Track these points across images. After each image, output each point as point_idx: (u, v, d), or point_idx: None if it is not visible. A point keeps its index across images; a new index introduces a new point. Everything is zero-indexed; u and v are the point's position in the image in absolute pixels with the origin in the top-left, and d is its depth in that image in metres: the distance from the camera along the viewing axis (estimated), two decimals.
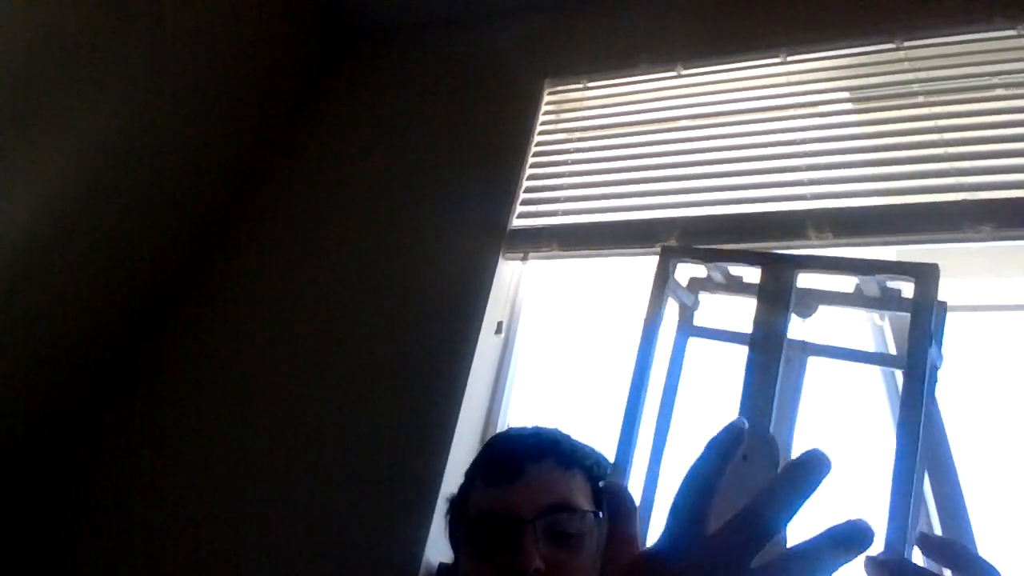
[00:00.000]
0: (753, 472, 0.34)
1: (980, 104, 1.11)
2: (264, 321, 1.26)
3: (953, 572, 0.34)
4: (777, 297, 0.39)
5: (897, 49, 1.25)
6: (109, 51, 1.22)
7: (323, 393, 1.11)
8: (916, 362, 0.34)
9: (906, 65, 1.22)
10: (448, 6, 1.74)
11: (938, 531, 0.41)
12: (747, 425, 0.33)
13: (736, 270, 0.47)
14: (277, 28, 1.63)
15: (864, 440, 0.90)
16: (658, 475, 0.44)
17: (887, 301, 0.42)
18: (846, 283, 0.42)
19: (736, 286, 0.48)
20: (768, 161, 1.18)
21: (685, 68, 1.40)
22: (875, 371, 0.95)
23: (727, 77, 1.36)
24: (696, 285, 0.50)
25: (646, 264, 1.19)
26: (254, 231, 1.46)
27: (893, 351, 0.95)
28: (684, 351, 0.49)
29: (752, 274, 0.43)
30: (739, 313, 0.45)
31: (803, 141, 1.18)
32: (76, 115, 1.17)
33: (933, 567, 0.34)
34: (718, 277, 0.48)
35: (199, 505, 1.04)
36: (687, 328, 0.49)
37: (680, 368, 0.48)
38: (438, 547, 0.91)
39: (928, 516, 0.79)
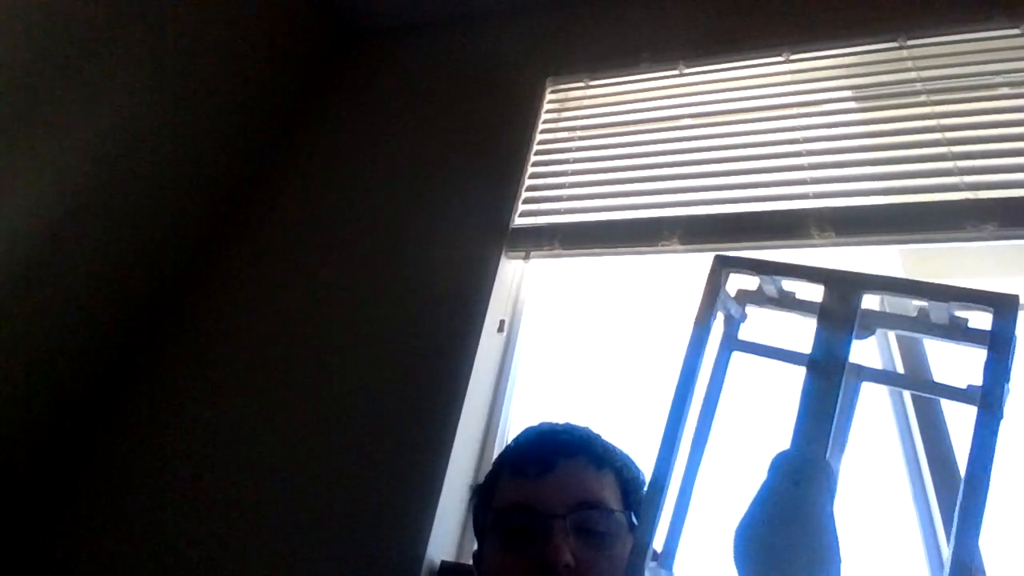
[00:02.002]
0: (806, 498, 0.32)
1: (983, 103, 1.11)
2: (266, 320, 1.26)
3: None
4: (841, 318, 0.37)
5: (900, 48, 1.25)
6: (110, 51, 1.22)
7: (324, 392, 1.11)
8: (993, 399, 0.32)
9: (909, 64, 1.22)
10: (449, 6, 1.73)
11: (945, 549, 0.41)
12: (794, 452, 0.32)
13: (790, 285, 0.45)
14: (278, 28, 1.63)
15: (864, 457, 0.88)
16: (692, 489, 0.43)
17: (954, 330, 0.39)
18: (906, 306, 0.41)
19: (788, 302, 0.46)
20: (770, 160, 1.18)
21: (687, 67, 1.40)
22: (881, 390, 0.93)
23: (729, 76, 1.35)
24: (744, 297, 0.47)
25: (647, 263, 1.19)
26: (255, 230, 1.46)
27: (900, 369, 0.93)
28: (727, 365, 0.46)
29: (807, 290, 0.40)
30: (783, 329, 0.43)
31: (805, 140, 1.17)
32: (77, 114, 1.17)
33: None
34: (770, 291, 0.46)
35: (200, 505, 1.04)
36: (731, 342, 0.47)
37: (722, 383, 0.46)
38: (440, 545, 0.91)
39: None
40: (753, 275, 0.44)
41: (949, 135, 1.08)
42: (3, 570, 1.08)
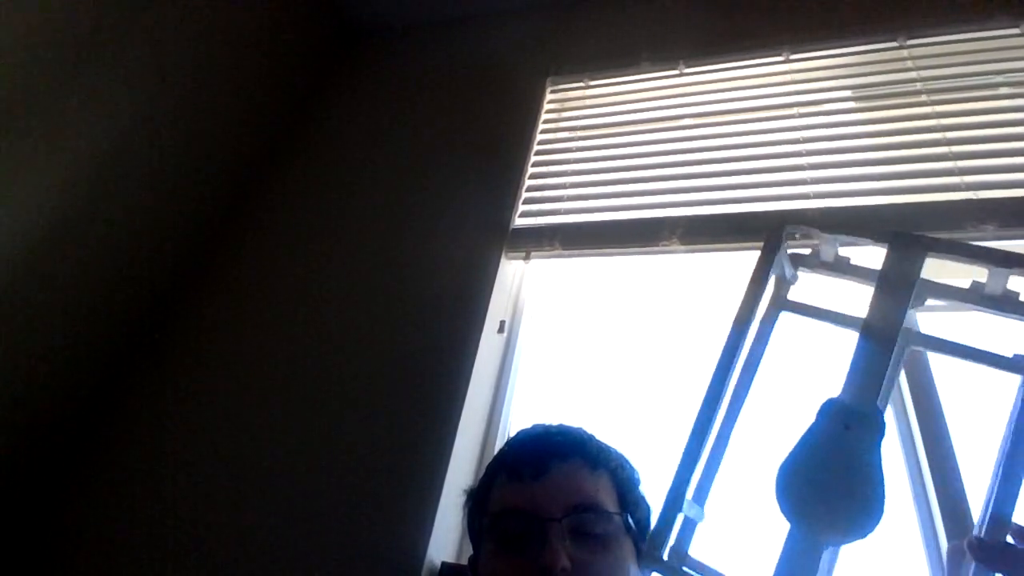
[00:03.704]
0: (857, 442, 0.34)
1: (983, 103, 1.11)
2: (266, 321, 1.26)
3: None
4: (900, 282, 0.38)
5: (900, 48, 1.25)
6: (111, 51, 1.22)
7: (325, 392, 1.11)
8: None
9: (909, 64, 1.22)
10: (450, 6, 1.73)
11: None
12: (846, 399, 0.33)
13: (846, 251, 0.45)
14: (278, 28, 1.63)
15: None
16: (729, 437, 0.44)
17: (1005, 302, 0.40)
18: (964, 279, 0.40)
19: (843, 266, 0.46)
20: (770, 160, 1.18)
21: (687, 66, 1.40)
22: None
23: (729, 76, 1.35)
24: (797, 260, 0.48)
25: (647, 263, 1.19)
26: (256, 230, 1.46)
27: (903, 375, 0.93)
28: (774, 325, 0.47)
29: (862, 255, 0.41)
30: (834, 295, 0.44)
31: (805, 140, 1.17)
32: (77, 115, 1.17)
33: None
34: (827, 255, 0.46)
35: (201, 504, 1.04)
36: (781, 302, 0.48)
37: (767, 341, 0.47)
38: (441, 546, 0.91)
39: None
40: (817, 233, 0.45)
41: (949, 135, 1.08)
42: (4, 570, 1.08)
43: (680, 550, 0.41)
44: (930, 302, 0.42)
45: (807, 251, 0.48)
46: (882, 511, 0.32)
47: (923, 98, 1.16)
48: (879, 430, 0.34)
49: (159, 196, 1.34)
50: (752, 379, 0.46)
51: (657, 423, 0.94)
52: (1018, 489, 0.32)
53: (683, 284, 1.16)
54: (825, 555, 0.37)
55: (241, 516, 1.00)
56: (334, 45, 1.82)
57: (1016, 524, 0.35)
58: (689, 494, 0.42)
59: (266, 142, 1.60)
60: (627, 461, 0.67)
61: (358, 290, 1.24)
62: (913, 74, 1.20)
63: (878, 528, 0.32)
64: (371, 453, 1.01)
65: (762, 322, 0.48)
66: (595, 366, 1.13)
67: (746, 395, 0.46)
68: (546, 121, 1.44)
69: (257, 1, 1.55)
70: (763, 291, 0.43)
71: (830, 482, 0.33)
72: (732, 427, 0.45)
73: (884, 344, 0.36)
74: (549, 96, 1.49)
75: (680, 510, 0.37)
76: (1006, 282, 0.39)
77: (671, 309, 1.15)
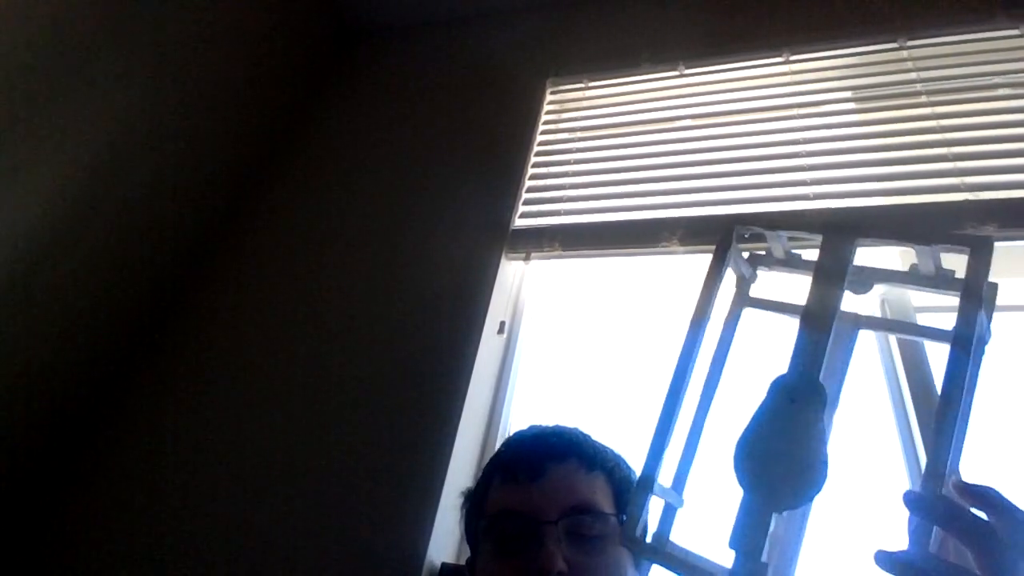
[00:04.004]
0: (800, 413, 0.36)
1: (983, 104, 1.11)
2: (266, 321, 1.26)
3: (989, 516, 0.35)
4: (835, 267, 0.41)
5: (900, 49, 1.25)
6: (111, 51, 1.22)
7: (325, 393, 1.11)
8: (964, 332, 0.36)
9: (909, 65, 1.22)
10: (449, 6, 1.73)
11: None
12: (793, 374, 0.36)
13: (796, 247, 0.49)
14: (278, 29, 1.63)
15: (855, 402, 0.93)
16: (702, 427, 0.47)
17: (940, 281, 0.43)
18: (901, 262, 0.45)
19: (795, 262, 0.50)
20: (770, 161, 1.18)
21: (687, 67, 1.40)
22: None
23: (729, 77, 1.35)
24: (755, 260, 0.52)
25: (647, 264, 1.19)
26: (255, 231, 1.46)
27: (900, 364, 0.97)
28: (738, 322, 0.51)
29: (812, 251, 0.44)
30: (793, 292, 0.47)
31: (805, 141, 1.17)
32: (77, 115, 1.17)
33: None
34: (778, 252, 0.50)
35: (201, 505, 1.04)
36: (743, 299, 0.51)
37: (731, 337, 0.50)
38: (441, 547, 0.91)
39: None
40: (761, 230, 0.49)
41: (949, 136, 1.08)
42: (4, 570, 1.08)
43: (662, 536, 0.44)
44: (878, 287, 0.46)
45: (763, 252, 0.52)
46: (824, 476, 0.34)
47: (923, 99, 1.16)
48: (822, 401, 0.37)
49: (159, 196, 1.34)
50: (720, 372, 0.49)
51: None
52: (950, 444, 0.34)
53: (683, 285, 1.16)
54: (791, 524, 0.41)
55: (241, 516, 1.00)
56: (334, 45, 1.82)
57: (955, 478, 0.38)
58: (668, 483, 0.45)
59: (266, 142, 1.60)
60: (623, 461, 0.67)
61: (358, 291, 1.24)
62: (913, 75, 1.20)
63: (822, 492, 0.34)
64: (371, 454, 1.01)
65: (727, 319, 0.51)
66: (595, 367, 1.13)
67: (716, 387, 0.49)
68: (546, 122, 1.44)
69: (256, 2, 1.56)
70: (716, 289, 0.47)
71: (778, 452, 0.36)
72: (705, 417, 0.48)
73: (822, 325, 0.39)
74: (549, 97, 1.49)
75: (650, 492, 0.40)
76: (938, 260, 0.43)
77: (671, 310, 1.15)
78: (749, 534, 0.34)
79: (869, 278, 0.46)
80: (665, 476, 0.45)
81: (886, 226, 0.42)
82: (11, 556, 1.08)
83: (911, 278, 0.45)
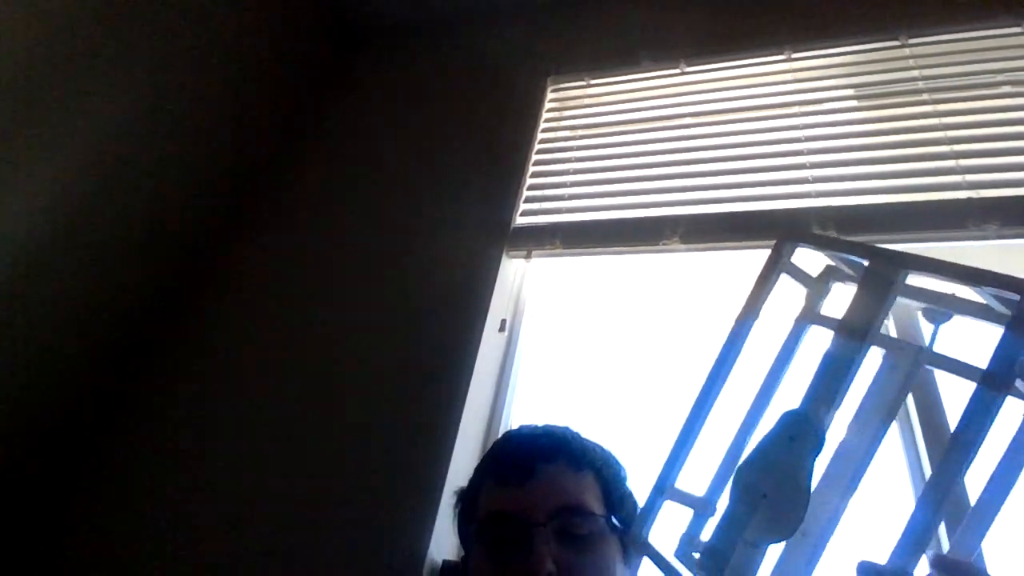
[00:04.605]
0: (797, 453, 0.36)
1: (985, 101, 1.10)
2: (267, 320, 1.27)
3: None
4: (876, 293, 0.40)
5: (902, 46, 1.25)
6: (113, 51, 1.22)
7: (326, 391, 1.11)
8: (999, 376, 0.33)
9: (911, 62, 1.22)
10: (450, 5, 1.73)
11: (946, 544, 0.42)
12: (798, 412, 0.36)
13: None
14: (280, 29, 1.63)
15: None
16: (743, 447, 0.46)
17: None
18: (980, 295, 0.41)
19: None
20: (772, 159, 1.17)
21: (688, 65, 1.40)
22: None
23: (731, 74, 1.35)
24: (829, 274, 0.49)
25: (648, 262, 1.19)
26: (257, 231, 1.46)
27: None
28: (801, 338, 0.48)
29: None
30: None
31: (807, 139, 1.17)
32: (79, 115, 1.17)
33: None
34: (848, 269, 0.48)
35: (201, 504, 1.04)
36: (810, 315, 0.48)
37: (791, 354, 0.48)
38: (442, 545, 0.91)
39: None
40: (812, 249, 0.47)
41: (951, 134, 1.08)
42: (5, 570, 1.08)
43: (692, 539, 0.43)
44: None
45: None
46: (792, 529, 0.34)
47: (924, 97, 1.15)
48: (817, 445, 0.36)
49: (161, 198, 1.34)
50: (775, 388, 0.48)
51: (658, 422, 0.94)
52: (942, 501, 0.32)
53: (684, 283, 1.16)
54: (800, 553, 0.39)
55: (242, 516, 1.01)
56: (335, 45, 1.82)
57: (933, 552, 0.35)
58: (702, 490, 0.44)
59: (267, 142, 1.60)
60: (613, 458, 0.67)
61: (359, 289, 1.24)
62: (915, 73, 1.19)
63: (785, 538, 0.35)
64: (372, 452, 1.01)
65: (789, 334, 0.48)
66: (596, 365, 1.13)
67: (768, 403, 0.47)
68: (547, 120, 1.44)
69: (257, 2, 1.55)
70: (760, 302, 0.45)
71: (763, 487, 0.36)
72: (751, 431, 0.46)
73: (855, 350, 0.38)
74: (550, 95, 1.49)
75: (663, 497, 0.40)
76: (1007, 299, 0.39)
77: (672, 308, 1.15)
78: (716, 551, 0.36)
79: (950, 307, 0.43)
80: (701, 483, 0.44)
81: (933, 263, 0.39)
82: (13, 556, 1.08)
83: (988, 314, 0.41)
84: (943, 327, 0.44)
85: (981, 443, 0.34)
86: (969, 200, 0.99)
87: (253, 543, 0.97)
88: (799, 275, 0.49)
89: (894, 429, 0.91)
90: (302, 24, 1.71)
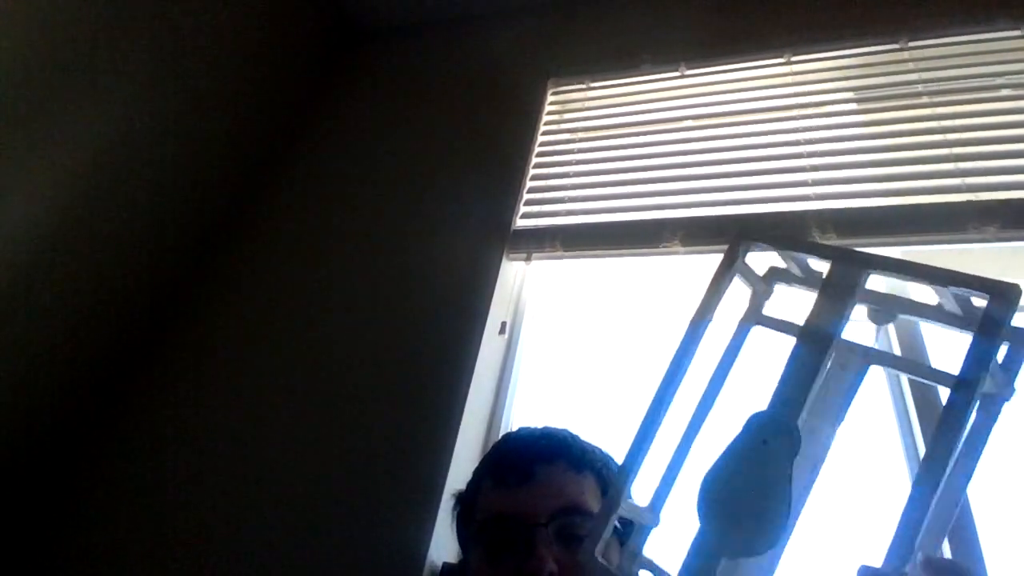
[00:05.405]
0: (770, 456, 0.34)
1: (985, 104, 1.11)
2: (267, 322, 1.26)
3: None
4: (840, 294, 0.38)
5: (902, 50, 1.25)
6: (112, 51, 1.22)
7: (326, 393, 1.11)
8: (968, 381, 0.32)
9: (911, 66, 1.22)
10: (451, 6, 1.73)
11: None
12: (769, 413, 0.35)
13: (815, 265, 0.45)
14: (280, 28, 1.63)
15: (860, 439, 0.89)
16: (689, 448, 0.44)
17: (968, 320, 0.39)
18: (930, 295, 0.40)
19: (813, 280, 0.46)
20: (772, 161, 1.18)
21: (688, 68, 1.40)
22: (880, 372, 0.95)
23: (731, 77, 1.35)
24: (774, 275, 0.48)
25: (648, 265, 1.19)
26: (257, 231, 1.46)
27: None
28: (744, 339, 0.47)
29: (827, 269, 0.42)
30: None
31: (807, 142, 1.17)
32: (78, 115, 1.17)
33: None
34: (795, 270, 0.46)
35: (201, 505, 1.04)
36: (754, 315, 0.47)
37: (734, 355, 0.47)
38: (442, 547, 0.91)
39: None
40: (771, 250, 0.45)
41: (951, 136, 1.08)
42: (4, 570, 1.08)
43: (632, 553, 0.42)
44: (902, 317, 0.43)
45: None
46: (780, 535, 0.32)
47: (924, 100, 1.16)
48: (794, 447, 0.34)
49: (160, 198, 1.34)
50: (718, 391, 0.46)
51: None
52: (926, 510, 0.30)
53: (684, 286, 1.16)
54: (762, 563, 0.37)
55: (243, 518, 1.01)
56: (335, 46, 1.82)
57: (923, 554, 0.34)
58: (645, 501, 0.43)
59: (267, 141, 1.60)
60: (612, 460, 0.67)
61: (359, 292, 1.24)
62: (915, 76, 1.20)
63: (772, 547, 0.32)
64: (372, 454, 1.01)
65: (733, 336, 0.48)
66: (596, 368, 1.13)
67: (711, 406, 0.46)
68: (547, 123, 1.44)
69: (258, 1, 1.56)
70: (714, 303, 0.44)
71: (741, 498, 0.34)
72: (695, 436, 0.45)
73: (817, 351, 0.36)
74: (550, 98, 1.49)
75: (616, 508, 0.39)
76: (963, 300, 0.39)
77: (672, 311, 1.15)
78: (695, 574, 0.33)
79: (894, 308, 0.42)
80: (645, 493, 0.43)
81: (898, 263, 0.38)
82: (13, 556, 1.08)
83: (938, 314, 0.40)
84: (886, 326, 0.43)
85: (959, 446, 0.34)
86: (969, 203, 0.99)
87: (253, 544, 0.97)
88: (751, 277, 0.47)
89: (894, 430, 0.91)
90: (302, 24, 1.72)
